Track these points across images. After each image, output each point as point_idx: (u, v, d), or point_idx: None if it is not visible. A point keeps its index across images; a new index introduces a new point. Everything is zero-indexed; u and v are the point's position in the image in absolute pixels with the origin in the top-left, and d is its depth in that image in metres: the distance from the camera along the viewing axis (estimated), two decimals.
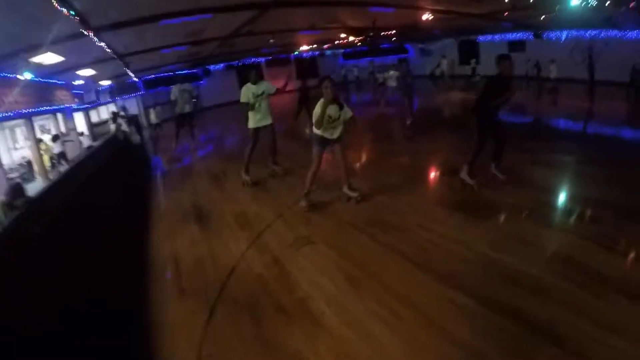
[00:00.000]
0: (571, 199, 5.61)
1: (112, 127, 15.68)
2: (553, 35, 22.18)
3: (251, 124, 7.42)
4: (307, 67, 27.22)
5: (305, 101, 11.81)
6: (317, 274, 4.17)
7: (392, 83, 20.44)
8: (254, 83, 7.36)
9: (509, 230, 4.75)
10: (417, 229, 4.98)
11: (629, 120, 11.77)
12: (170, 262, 4.98)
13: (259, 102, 7.34)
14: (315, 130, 5.84)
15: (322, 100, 5.59)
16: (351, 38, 20.14)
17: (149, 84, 22.44)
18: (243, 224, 5.81)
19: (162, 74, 22.37)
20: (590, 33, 20.92)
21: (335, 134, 5.86)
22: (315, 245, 4.83)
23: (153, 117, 17.55)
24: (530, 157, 7.49)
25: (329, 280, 4.01)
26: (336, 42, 22.35)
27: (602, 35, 20.45)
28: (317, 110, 5.62)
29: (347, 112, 5.80)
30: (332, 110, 5.65)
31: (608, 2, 10.40)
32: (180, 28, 11.08)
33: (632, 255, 3.90)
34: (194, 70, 24.62)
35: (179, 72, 21.92)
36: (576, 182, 6.28)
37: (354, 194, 6.10)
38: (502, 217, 5.08)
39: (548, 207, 5.26)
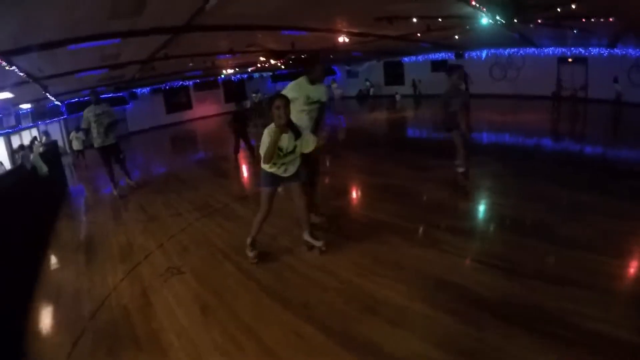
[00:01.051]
0: (455, 216, 5.75)
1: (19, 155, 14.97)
2: (474, 54, 23.25)
3: None
4: (235, 91, 27.40)
5: (242, 127, 10.73)
6: (176, 304, 4.17)
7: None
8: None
9: (381, 253, 4.77)
10: (282, 254, 5.04)
11: (528, 132, 12.65)
12: (53, 293, 4.90)
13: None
14: (264, 166, 4.55)
15: (271, 126, 4.25)
16: (273, 61, 20.31)
17: (72, 108, 21.74)
18: (125, 255, 5.71)
19: (86, 98, 21.71)
20: (508, 51, 22.13)
21: (290, 170, 4.60)
22: (183, 275, 4.81)
23: (76, 144, 16.85)
24: (423, 174, 7.88)
25: (184, 311, 4.03)
26: (259, 65, 22.45)
27: (521, 52, 21.67)
28: (265, 140, 4.27)
29: (308, 142, 4.52)
30: (285, 140, 4.35)
31: (516, 19, 10.88)
32: (94, 52, 10.77)
33: (513, 274, 3.98)
34: (120, 94, 23.97)
35: (104, 95, 21.36)
36: (465, 198, 6.49)
37: (317, 243, 4.91)
38: (376, 240, 5.14)
39: (431, 228, 5.39)
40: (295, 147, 4.45)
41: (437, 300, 3.67)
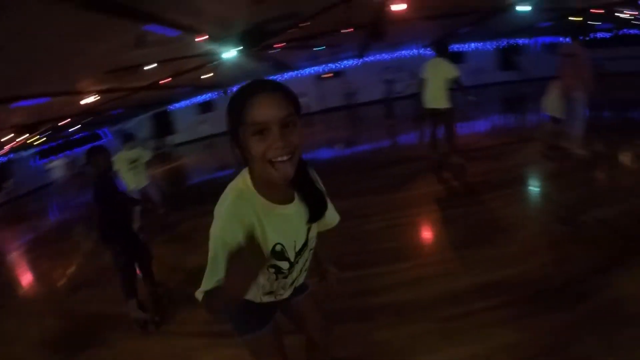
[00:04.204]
0: None
1: None
2: (236, 88, 23.45)
3: None
4: None
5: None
6: None
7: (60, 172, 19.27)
8: None
9: None
10: None
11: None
12: None
13: None
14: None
15: (239, 195, 1.60)
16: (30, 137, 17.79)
17: None
18: None
19: None
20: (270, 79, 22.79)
21: (301, 279, 2.10)
22: None
23: None
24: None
25: None
26: (12, 144, 19.63)
27: (281, 77, 22.49)
28: (216, 248, 1.58)
29: (331, 216, 2.08)
30: (288, 230, 1.75)
31: (256, 47, 10.87)
32: None
33: None
34: None
35: None
36: None
37: None
38: None
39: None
40: (309, 233, 1.88)
41: None
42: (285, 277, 1.87)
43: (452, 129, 7.89)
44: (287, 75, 22.59)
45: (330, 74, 22.33)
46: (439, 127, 7.84)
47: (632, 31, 20.36)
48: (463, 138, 9.46)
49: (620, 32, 20.89)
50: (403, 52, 22.22)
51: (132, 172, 7.49)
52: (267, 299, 2.01)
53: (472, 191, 6.79)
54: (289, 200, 1.74)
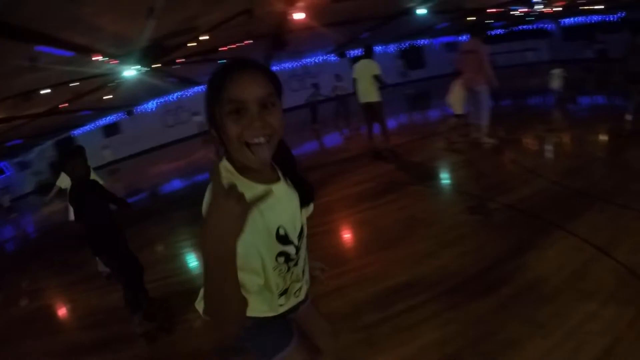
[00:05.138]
0: None
1: None
2: (144, 108, 22.73)
3: None
4: None
5: None
6: None
7: None
8: None
9: None
10: None
11: None
12: None
13: None
14: (257, 313, 1.64)
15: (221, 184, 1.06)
16: None
17: None
18: None
19: None
20: (177, 95, 22.27)
21: (307, 277, 1.88)
22: None
23: None
24: None
25: None
26: None
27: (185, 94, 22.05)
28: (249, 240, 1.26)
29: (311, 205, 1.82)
30: (285, 210, 1.55)
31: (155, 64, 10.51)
32: None
33: None
34: None
35: None
36: None
37: None
38: None
39: None
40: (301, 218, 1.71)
41: None
42: (296, 265, 1.67)
43: (383, 119, 8.69)
44: (193, 90, 22.11)
45: None
46: (373, 119, 8.71)
47: (525, 27, 22.54)
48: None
49: (515, 29, 22.97)
50: (308, 59, 22.47)
51: None
52: (283, 302, 1.72)
53: (383, 191, 6.84)
54: (276, 180, 1.56)
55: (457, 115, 8.47)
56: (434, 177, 7.33)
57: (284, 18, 10.08)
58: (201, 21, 9.03)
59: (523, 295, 3.47)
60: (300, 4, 9.53)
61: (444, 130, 9.09)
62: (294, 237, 1.59)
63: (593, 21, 21.12)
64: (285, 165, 1.66)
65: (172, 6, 7.34)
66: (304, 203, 1.70)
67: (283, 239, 1.52)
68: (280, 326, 1.80)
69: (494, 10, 15.81)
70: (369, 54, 8.42)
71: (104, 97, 15.45)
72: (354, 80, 8.45)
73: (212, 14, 8.83)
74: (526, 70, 18.87)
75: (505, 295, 3.49)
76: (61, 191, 6.01)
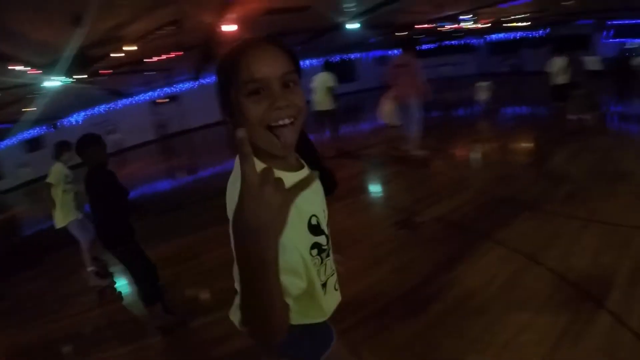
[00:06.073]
0: None
1: None
2: (68, 121, 21.62)
3: None
4: None
5: None
6: None
7: None
8: None
9: None
10: None
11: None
12: None
13: None
14: (303, 320, 1.40)
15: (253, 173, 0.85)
16: None
17: None
18: None
19: None
20: (104, 108, 21.36)
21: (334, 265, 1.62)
22: None
23: None
24: None
25: None
26: None
27: (114, 106, 21.21)
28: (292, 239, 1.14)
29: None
30: (312, 200, 1.40)
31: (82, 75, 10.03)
32: None
33: None
34: None
35: None
36: None
37: None
38: None
39: None
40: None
41: None
42: (327, 256, 1.46)
43: (336, 126, 10.02)
44: (121, 102, 21.29)
45: (166, 99, 21.45)
46: (327, 125, 9.85)
47: (453, 42, 23.81)
48: None
49: (444, 44, 24.19)
50: None
51: (69, 196, 5.60)
52: (327, 301, 1.51)
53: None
54: (300, 167, 1.40)
55: (392, 127, 8.64)
56: (363, 190, 7.38)
57: (214, 30, 9.91)
58: (127, 31, 8.69)
59: (455, 311, 3.48)
60: (232, 16, 9.39)
61: (377, 142, 9.24)
62: (324, 225, 1.44)
63: (517, 37, 22.76)
64: (305, 151, 1.50)
65: (97, 14, 6.99)
66: (327, 191, 1.59)
67: (315, 228, 1.35)
68: (324, 327, 1.67)
69: (424, 26, 16.32)
70: (327, 67, 9.96)
71: (25, 110, 14.60)
72: (311, 90, 9.45)
73: (138, 24, 8.51)
74: (454, 84, 19.67)
75: (437, 313, 3.49)
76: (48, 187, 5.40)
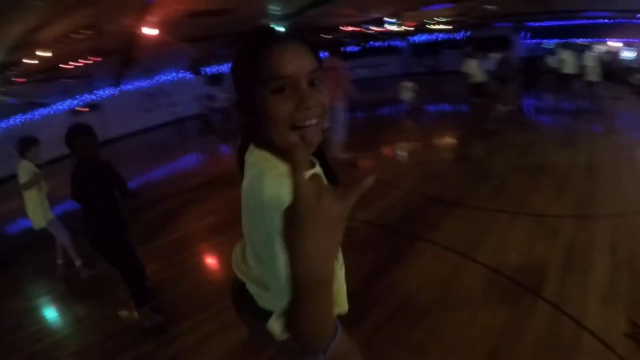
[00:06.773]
0: None
1: None
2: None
3: None
4: None
5: None
6: None
7: None
8: None
9: None
10: None
11: None
12: None
13: None
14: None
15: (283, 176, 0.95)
16: None
17: None
18: None
19: None
20: (20, 118, 20.15)
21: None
22: None
23: None
24: None
25: None
26: None
27: (30, 116, 20.03)
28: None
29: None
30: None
31: None
32: None
33: None
34: None
35: None
36: None
37: None
38: None
39: None
40: None
41: None
42: (339, 250, 1.33)
43: None
44: (39, 113, 20.06)
45: (86, 108, 20.36)
46: None
47: (377, 44, 24.35)
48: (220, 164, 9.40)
49: (369, 45, 24.68)
50: (162, 77, 21.46)
51: (43, 194, 5.29)
52: (343, 290, 1.44)
53: (237, 220, 6.45)
54: (313, 165, 1.33)
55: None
56: None
57: (134, 33, 9.54)
58: (40, 35, 8.19)
59: (396, 316, 3.47)
60: (152, 19, 9.08)
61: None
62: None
63: (439, 39, 23.84)
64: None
65: (6, 16, 6.53)
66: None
67: None
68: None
69: (349, 29, 16.56)
70: None
71: None
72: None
73: (52, 28, 8.03)
74: (379, 84, 20.03)
75: (377, 319, 3.46)
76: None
